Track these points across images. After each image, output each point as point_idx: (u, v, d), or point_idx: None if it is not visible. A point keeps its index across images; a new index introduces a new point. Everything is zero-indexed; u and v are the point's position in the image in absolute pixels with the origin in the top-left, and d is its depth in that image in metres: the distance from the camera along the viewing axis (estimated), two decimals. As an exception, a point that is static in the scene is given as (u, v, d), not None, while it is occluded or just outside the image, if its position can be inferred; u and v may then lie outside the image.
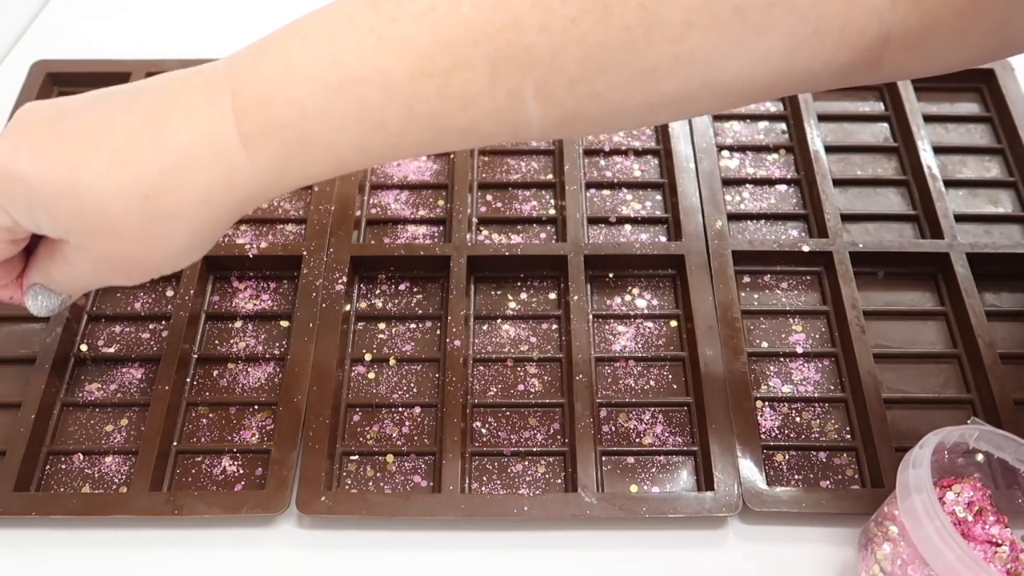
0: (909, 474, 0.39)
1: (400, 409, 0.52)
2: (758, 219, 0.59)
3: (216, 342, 0.54)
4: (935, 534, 0.37)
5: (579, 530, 0.47)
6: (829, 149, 0.61)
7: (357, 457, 0.50)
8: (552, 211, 0.60)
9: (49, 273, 0.44)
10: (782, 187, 0.61)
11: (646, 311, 0.55)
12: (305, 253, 0.56)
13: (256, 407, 0.52)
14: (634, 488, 0.48)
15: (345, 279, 0.55)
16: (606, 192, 0.61)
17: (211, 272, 0.57)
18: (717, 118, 0.64)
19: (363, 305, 0.56)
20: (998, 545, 0.40)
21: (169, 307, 0.55)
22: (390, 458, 0.50)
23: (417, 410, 0.52)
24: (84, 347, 0.54)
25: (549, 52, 0.36)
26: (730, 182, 0.61)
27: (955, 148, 0.62)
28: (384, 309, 0.55)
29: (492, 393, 0.52)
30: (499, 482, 0.49)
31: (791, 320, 0.55)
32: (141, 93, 0.41)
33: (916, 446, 0.40)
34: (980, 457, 0.44)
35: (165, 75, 0.41)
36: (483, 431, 0.51)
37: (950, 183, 0.60)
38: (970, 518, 0.40)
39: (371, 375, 0.53)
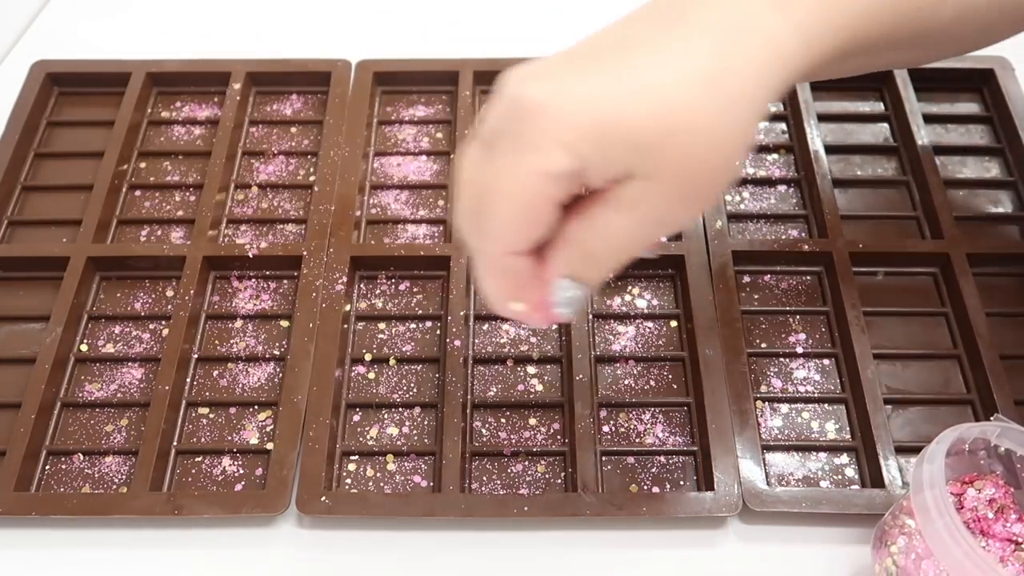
0: (923, 469, 0.39)
1: (400, 409, 0.52)
2: (758, 219, 0.59)
3: (216, 342, 0.54)
4: (944, 530, 0.37)
5: (579, 530, 0.47)
6: (829, 149, 0.61)
7: (357, 457, 0.50)
8: (552, 211, 0.60)
9: (587, 246, 0.36)
10: (782, 187, 0.61)
11: (646, 311, 0.55)
12: (305, 253, 0.56)
13: (256, 407, 0.52)
14: (634, 488, 0.48)
15: (345, 279, 0.55)
16: (606, 192, 0.60)
17: (211, 272, 0.57)
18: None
19: (363, 305, 0.56)
20: (1018, 543, 0.40)
21: (169, 307, 0.55)
22: (390, 458, 0.50)
23: (417, 410, 0.52)
24: (84, 347, 0.54)
25: None
26: (730, 182, 0.61)
27: (955, 148, 0.62)
28: (384, 309, 0.55)
29: (492, 393, 0.52)
30: (499, 482, 0.49)
31: (791, 320, 0.55)
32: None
33: (934, 441, 0.40)
34: (1003, 453, 0.44)
35: None
36: (483, 431, 0.51)
37: (950, 183, 0.60)
38: (991, 515, 0.40)
39: (371, 375, 0.53)
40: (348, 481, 0.49)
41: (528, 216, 0.35)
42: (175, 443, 0.50)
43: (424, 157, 0.62)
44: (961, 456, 0.43)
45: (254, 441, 0.50)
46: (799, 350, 0.53)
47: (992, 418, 0.44)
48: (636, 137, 0.33)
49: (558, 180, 0.34)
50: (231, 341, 0.54)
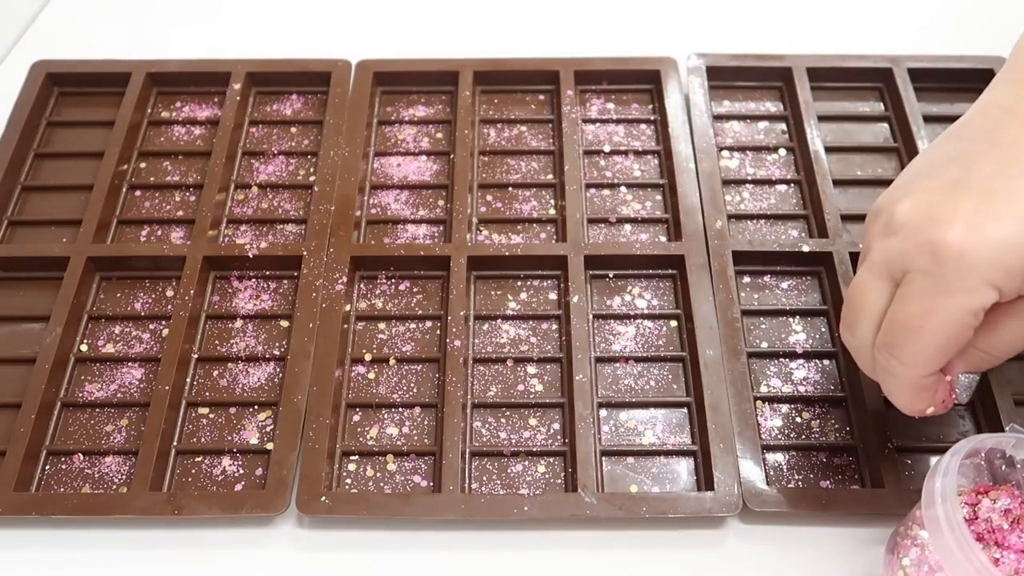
0: (935, 482, 0.39)
1: (400, 409, 0.52)
2: (758, 219, 0.59)
3: (216, 342, 0.54)
4: (955, 546, 0.37)
5: (579, 530, 0.47)
6: (829, 149, 0.61)
7: (357, 457, 0.50)
8: (552, 211, 0.60)
9: (989, 349, 0.41)
10: (782, 187, 0.61)
11: (646, 311, 0.55)
12: (305, 253, 0.56)
13: (256, 407, 0.52)
14: (634, 488, 0.48)
15: (345, 279, 0.55)
16: (606, 192, 0.61)
17: (211, 272, 0.57)
18: (717, 118, 0.64)
19: (363, 305, 0.56)
20: None
21: (169, 307, 0.55)
22: (390, 458, 0.50)
23: (417, 410, 0.52)
24: (84, 347, 0.54)
25: None
26: (730, 182, 0.61)
27: (955, 148, 0.62)
28: (384, 309, 0.55)
29: (492, 393, 0.52)
30: (499, 482, 0.49)
31: (791, 320, 0.55)
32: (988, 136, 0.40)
33: (948, 452, 0.39)
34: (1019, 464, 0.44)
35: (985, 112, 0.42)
36: (483, 431, 0.51)
37: (950, 183, 0.60)
38: (1006, 526, 0.40)
39: (371, 375, 0.53)
40: (348, 481, 0.49)
41: (953, 345, 0.40)
42: (175, 443, 0.50)
43: (424, 157, 0.62)
44: (976, 465, 0.42)
45: (254, 441, 0.50)
46: (799, 350, 0.53)
47: (1008, 428, 0.43)
48: None
49: (980, 314, 0.39)
50: (231, 341, 0.54)
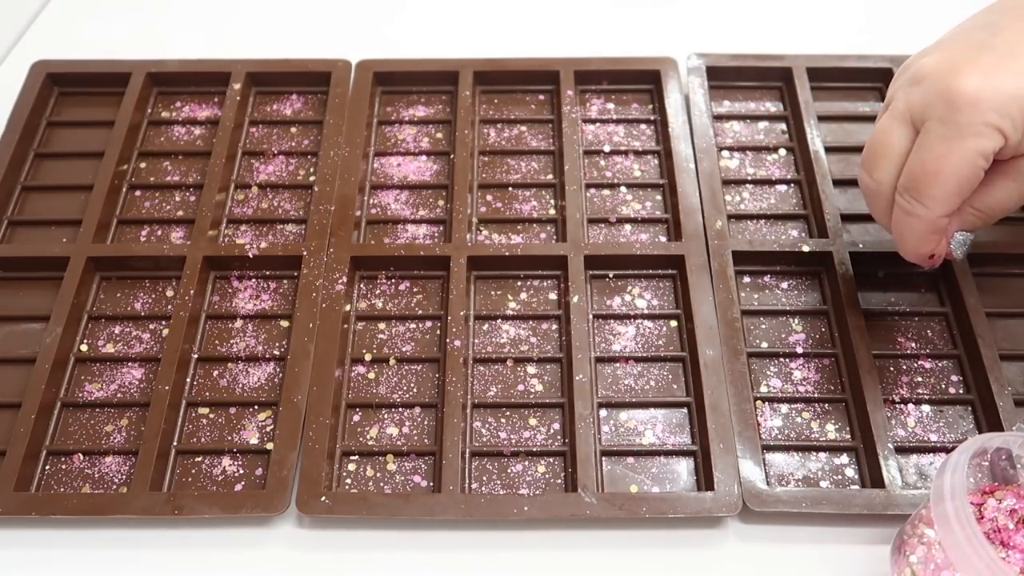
0: (945, 479, 0.39)
1: (400, 409, 0.52)
2: (758, 219, 0.59)
3: (216, 342, 0.54)
4: (965, 542, 0.37)
5: (579, 530, 0.47)
6: (829, 149, 0.61)
7: (357, 457, 0.50)
8: (552, 211, 0.60)
9: (980, 207, 0.46)
10: (782, 187, 0.61)
11: (646, 311, 0.55)
12: (305, 253, 0.56)
13: (256, 407, 0.52)
14: (634, 488, 0.48)
15: (345, 279, 0.55)
16: (606, 192, 0.61)
17: (211, 272, 0.57)
18: (717, 118, 0.64)
19: (363, 305, 0.56)
20: None
21: (169, 307, 0.55)
22: (390, 458, 0.50)
23: (417, 410, 0.52)
24: (84, 347, 0.54)
25: None
26: (730, 182, 0.61)
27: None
28: (384, 309, 0.55)
29: (492, 393, 0.52)
30: (499, 482, 0.49)
31: (791, 320, 0.55)
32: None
33: (956, 451, 0.40)
34: None
35: None
36: (483, 431, 0.51)
37: (950, 183, 0.60)
38: (1011, 526, 0.40)
39: (371, 375, 0.53)
40: (348, 481, 0.49)
41: (967, 187, 0.44)
42: (175, 443, 0.50)
43: (424, 157, 0.62)
44: (982, 466, 0.43)
45: (254, 441, 0.50)
46: (799, 350, 0.53)
47: (1015, 428, 0.43)
48: None
49: (989, 158, 0.43)
50: (231, 341, 0.54)
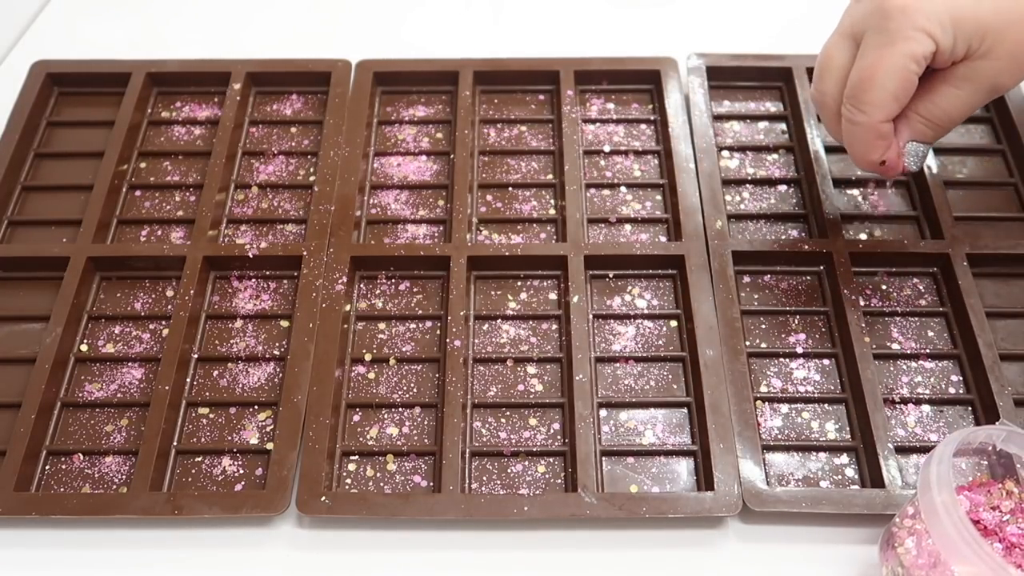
0: (931, 470, 0.39)
1: (400, 409, 0.52)
2: (758, 219, 0.59)
3: (216, 342, 0.54)
4: (952, 529, 0.37)
5: (579, 530, 0.47)
6: (829, 149, 0.61)
7: (357, 457, 0.50)
8: (552, 211, 0.60)
9: (930, 115, 0.49)
10: (782, 187, 0.61)
11: (646, 311, 0.55)
12: (305, 253, 0.56)
13: (256, 407, 0.52)
14: (634, 488, 0.48)
15: (345, 279, 0.55)
16: (606, 192, 0.61)
17: (211, 272, 0.57)
18: (717, 118, 0.64)
19: (363, 305, 0.56)
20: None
21: (169, 307, 0.55)
22: (390, 458, 0.50)
23: (417, 410, 0.52)
24: (84, 347, 0.54)
25: None
26: (730, 182, 0.61)
27: (955, 148, 0.62)
28: (384, 309, 0.55)
29: (492, 393, 0.52)
30: (499, 482, 0.49)
31: (791, 320, 0.55)
32: None
33: (940, 443, 0.40)
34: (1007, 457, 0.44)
35: None
36: (483, 431, 0.51)
37: (950, 183, 0.60)
38: (1006, 518, 0.40)
39: (371, 375, 0.53)
40: (348, 481, 0.49)
41: (901, 91, 0.47)
42: (175, 443, 0.50)
43: (424, 157, 0.62)
44: (967, 459, 0.43)
45: (254, 441, 0.50)
46: (799, 350, 0.53)
47: (999, 423, 0.44)
48: (982, 25, 0.46)
49: (920, 61, 0.46)
50: (231, 341, 0.54)
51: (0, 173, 0.60)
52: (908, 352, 0.53)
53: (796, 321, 0.55)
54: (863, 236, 0.58)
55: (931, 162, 0.60)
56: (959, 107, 0.49)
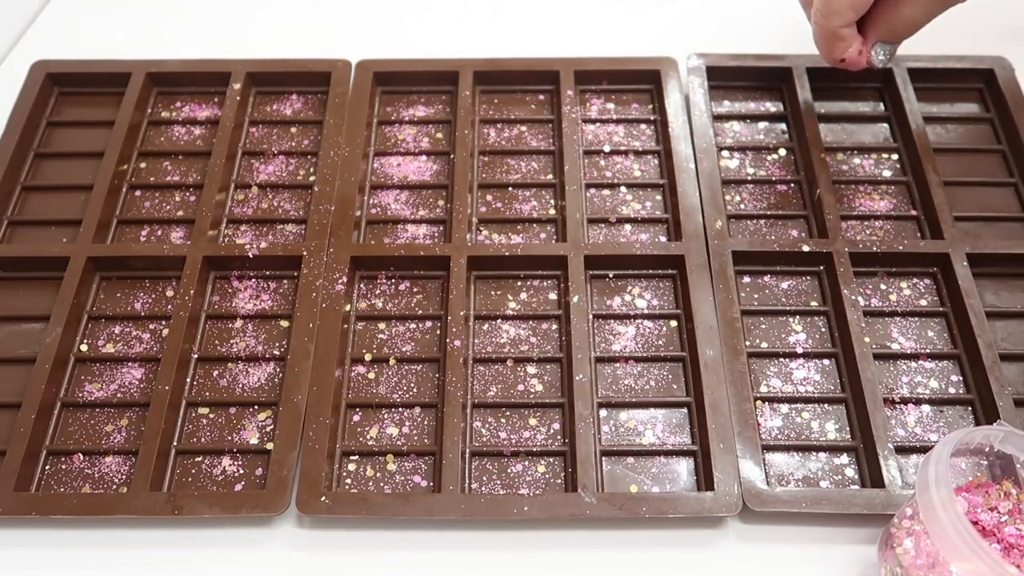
0: (929, 469, 0.39)
1: (400, 409, 0.52)
2: (758, 219, 0.59)
3: (216, 342, 0.54)
4: (951, 528, 0.38)
5: (579, 530, 0.47)
6: (829, 149, 0.61)
7: (357, 457, 0.50)
8: (552, 211, 0.60)
9: (890, 24, 0.56)
10: (782, 187, 0.61)
11: (646, 311, 0.55)
12: (305, 253, 0.56)
13: (256, 407, 0.52)
14: (634, 488, 0.48)
15: (345, 279, 0.55)
16: (606, 192, 0.61)
17: (211, 272, 0.57)
18: (717, 118, 0.64)
19: (363, 305, 0.56)
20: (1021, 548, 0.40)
21: (169, 307, 0.55)
22: (390, 458, 0.50)
23: (417, 410, 0.52)
24: (84, 347, 0.54)
25: None
26: (730, 182, 0.61)
27: (955, 148, 0.62)
28: (384, 309, 0.55)
29: (492, 393, 0.52)
30: (499, 482, 0.49)
31: (791, 320, 0.55)
32: None
33: (939, 443, 0.40)
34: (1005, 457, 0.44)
35: None
36: (483, 431, 0.51)
37: (950, 183, 0.60)
38: (1004, 519, 0.40)
39: (371, 375, 0.53)
40: (348, 481, 0.49)
41: (858, 2, 0.54)
42: (175, 443, 0.50)
43: (424, 157, 0.62)
44: (966, 459, 0.43)
45: (254, 441, 0.50)
46: (799, 350, 0.53)
47: (996, 423, 0.44)
48: None
49: None
50: (231, 341, 0.54)
51: (0, 173, 0.60)
52: (908, 352, 0.53)
53: (796, 321, 0.55)
54: (863, 236, 0.58)
55: (931, 162, 0.60)
56: (917, 14, 0.55)
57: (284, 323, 0.55)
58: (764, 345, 0.54)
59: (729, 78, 0.65)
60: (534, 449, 0.50)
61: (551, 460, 0.50)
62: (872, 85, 0.65)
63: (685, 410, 0.51)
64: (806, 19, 0.58)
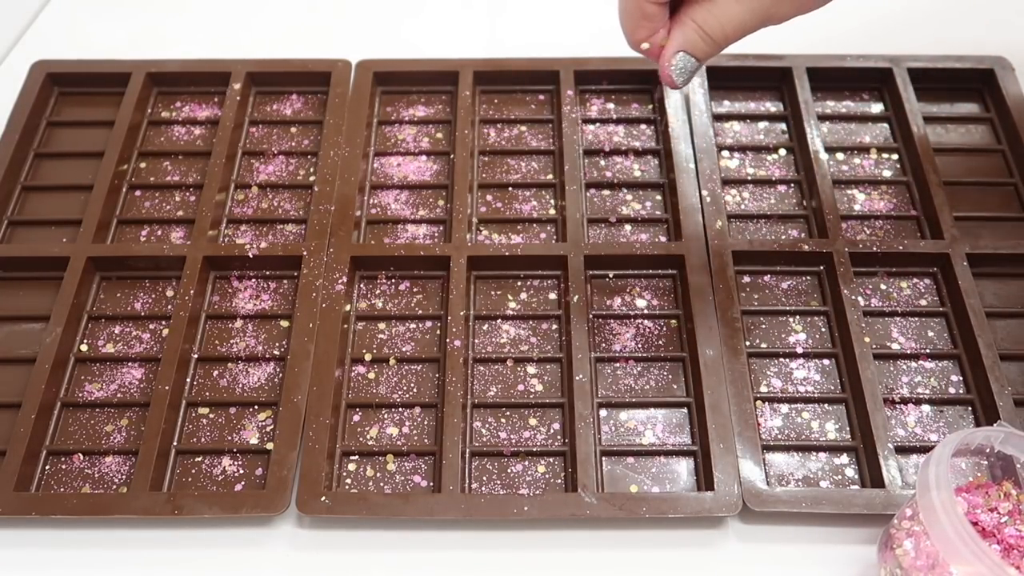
0: (930, 471, 0.39)
1: (400, 409, 0.52)
2: (758, 219, 0.59)
3: (216, 342, 0.54)
4: (951, 529, 0.38)
5: (579, 530, 0.47)
6: (829, 149, 0.61)
7: (357, 457, 0.50)
8: (552, 211, 0.60)
9: (704, 25, 0.46)
10: (782, 187, 0.61)
11: (646, 311, 0.55)
12: (305, 253, 0.56)
13: (256, 407, 0.52)
14: (634, 488, 0.48)
15: (345, 279, 0.55)
16: (606, 192, 0.61)
17: (211, 272, 0.57)
18: (717, 118, 0.64)
19: (363, 305, 0.56)
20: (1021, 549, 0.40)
21: (169, 307, 0.55)
22: (390, 458, 0.50)
23: (417, 410, 0.52)
24: (84, 347, 0.54)
25: None
26: (730, 182, 0.61)
27: (955, 148, 0.62)
28: (384, 309, 0.55)
29: (492, 393, 0.52)
30: (499, 482, 0.49)
31: (791, 320, 0.55)
32: None
33: (939, 444, 0.40)
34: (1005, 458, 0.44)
35: None
36: (483, 431, 0.51)
37: (950, 183, 0.60)
38: (1004, 520, 0.40)
39: (371, 375, 0.53)
40: (348, 481, 0.49)
41: None
42: (175, 443, 0.50)
43: (424, 157, 0.62)
44: (966, 459, 0.43)
45: (254, 441, 0.50)
46: (799, 350, 0.53)
47: (996, 424, 0.44)
48: None
49: None
50: (231, 341, 0.54)
51: (0, 173, 0.60)
52: (908, 352, 0.53)
53: (796, 321, 0.55)
54: (863, 236, 0.58)
55: (931, 162, 0.60)
56: (734, 22, 0.46)
57: (284, 323, 0.55)
58: (764, 345, 0.54)
59: (729, 78, 0.65)
60: (534, 449, 0.50)
61: (551, 460, 0.50)
62: (872, 85, 0.65)
63: (685, 410, 0.51)
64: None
